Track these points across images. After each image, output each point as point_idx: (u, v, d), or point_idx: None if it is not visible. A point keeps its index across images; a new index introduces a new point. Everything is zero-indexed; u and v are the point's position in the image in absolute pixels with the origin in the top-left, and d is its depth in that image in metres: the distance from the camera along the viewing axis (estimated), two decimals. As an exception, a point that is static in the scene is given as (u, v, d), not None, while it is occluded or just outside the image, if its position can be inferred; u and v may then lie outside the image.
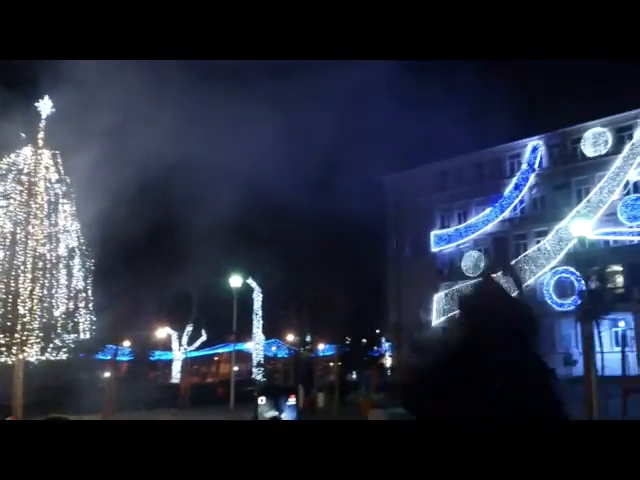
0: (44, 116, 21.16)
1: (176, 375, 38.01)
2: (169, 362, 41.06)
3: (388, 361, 46.77)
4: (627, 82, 32.99)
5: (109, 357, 21.26)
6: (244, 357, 41.73)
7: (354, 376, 43.38)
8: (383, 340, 51.99)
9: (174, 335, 39.88)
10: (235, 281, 32.12)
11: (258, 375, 40.46)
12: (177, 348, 39.71)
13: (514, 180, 42.58)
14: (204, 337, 39.63)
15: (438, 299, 45.33)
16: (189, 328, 39.01)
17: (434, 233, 46.52)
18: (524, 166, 42.39)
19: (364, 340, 53.90)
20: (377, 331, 53.72)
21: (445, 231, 46.11)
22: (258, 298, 41.41)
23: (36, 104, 21.05)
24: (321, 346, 42.72)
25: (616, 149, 38.24)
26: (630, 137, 38.03)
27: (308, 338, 41.77)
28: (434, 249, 46.32)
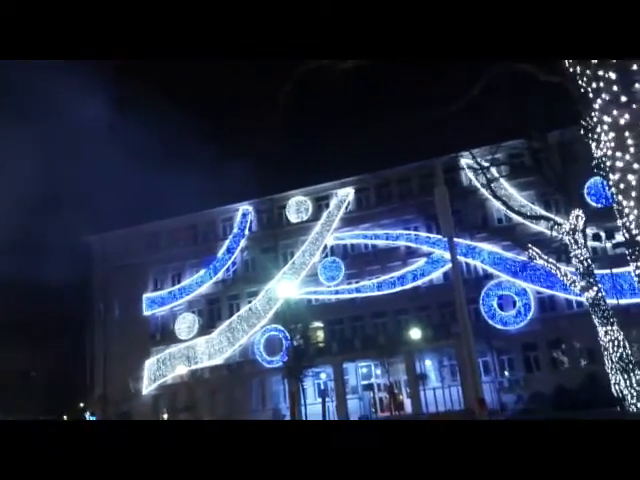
0: None
1: None
2: None
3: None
4: (326, 156, 38.14)
5: None
6: None
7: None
8: (88, 415, 47.97)
9: None
10: None
11: None
12: None
13: (227, 243, 44.72)
14: None
15: (150, 365, 44.01)
16: None
17: (146, 296, 45.57)
18: (235, 230, 44.95)
19: (65, 417, 49.08)
20: (81, 405, 49.42)
21: (158, 294, 45.55)
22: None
23: None
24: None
25: (316, 216, 43.34)
26: (327, 206, 43.59)
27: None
28: (146, 312, 45.25)
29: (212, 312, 44.50)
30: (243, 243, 44.48)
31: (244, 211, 45.14)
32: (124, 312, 45.49)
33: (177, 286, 45.12)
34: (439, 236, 39.37)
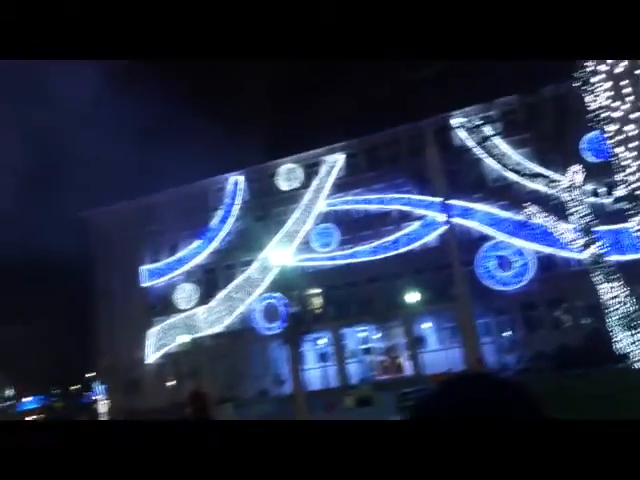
0: None
1: None
2: None
3: (104, 405, 44.36)
4: (312, 122, 37.25)
5: None
6: None
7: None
8: (97, 384, 49.19)
9: None
10: None
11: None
12: None
13: (220, 213, 44.59)
14: None
15: (152, 335, 44.75)
16: None
17: (145, 268, 45.91)
18: (227, 200, 44.72)
19: (75, 386, 50.36)
20: (90, 375, 50.62)
21: (156, 265, 45.85)
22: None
23: None
24: (24, 399, 38.78)
25: (306, 183, 42.89)
26: (317, 173, 43.04)
27: (10, 392, 37.59)
28: (145, 284, 45.67)
29: (210, 282, 44.79)
30: (236, 213, 44.30)
31: (234, 181, 44.78)
32: (124, 284, 45.92)
33: (174, 257, 45.34)
34: (433, 198, 38.93)
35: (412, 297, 36.96)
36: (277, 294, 39.33)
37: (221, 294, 43.51)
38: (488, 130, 35.86)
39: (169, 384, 42.86)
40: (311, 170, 43.38)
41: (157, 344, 44.56)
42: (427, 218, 39.14)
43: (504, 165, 36.24)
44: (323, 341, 40.03)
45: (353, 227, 41.22)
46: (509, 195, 36.90)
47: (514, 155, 37.65)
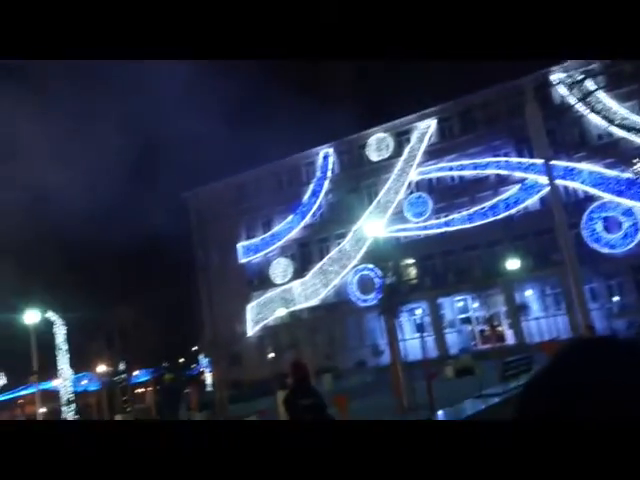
0: None
1: (-26, 427, 33.90)
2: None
3: (208, 377, 46.21)
4: (404, 88, 36.55)
5: None
6: (52, 396, 38.37)
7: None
8: (201, 357, 51.29)
9: (-33, 384, 35.67)
10: (31, 317, 29.48)
11: (69, 413, 37.49)
12: (-27, 396, 35.60)
13: (311, 187, 44.79)
14: (3, 381, 35.91)
15: (251, 309, 45.96)
16: (-16, 373, 35.24)
17: (241, 244, 47.08)
18: (318, 173, 44.79)
19: (182, 359, 52.73)
20: (194, 348, 52.85)
21: (251, 241, 46.90)
22: (61, 332, 38.42)
23: None
24: (136, 372, 40.91)
25: (397, 152, 42.11)
26: (408, 141, 42.15)
27: (122, 366, 39.77)
28: (242, 260, 46.86)
29: (304, 256, 45.33)
30: (327, 186, 44.34)
31: (325, 154, 44.73)
32: (222, 261, 47.38)
33: (268, 233, 46.17)
34: (533, 160, 37.20)
35: (512, 264, 35.57)
36: (371, 265, 39.13)
37: (316, 267, 43.89)
38: (590, 84, 33.59)
39: (269, 356, 43.95)
40: (402, 138, 42.54)
41: (256, 318, 45.76)
42: (527, 181, 37.43)
43: (609, 120, 33.98)
44: (420, 311, 39.55)
45: (447, 195, 40.13)
46: (615, 152, 34.64)
47: (620, 109, 35.09)
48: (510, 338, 36.86)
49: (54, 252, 34.88)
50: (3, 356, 34.99)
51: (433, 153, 40.93)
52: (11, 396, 40.80)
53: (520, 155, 37.89)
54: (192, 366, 51.87)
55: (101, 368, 39.94)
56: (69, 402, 37.64)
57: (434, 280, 39.38)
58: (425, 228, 40.17)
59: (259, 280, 46.37)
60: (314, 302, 43.58)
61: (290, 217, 45.14)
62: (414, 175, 41.29)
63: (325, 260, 43.63)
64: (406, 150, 41.73)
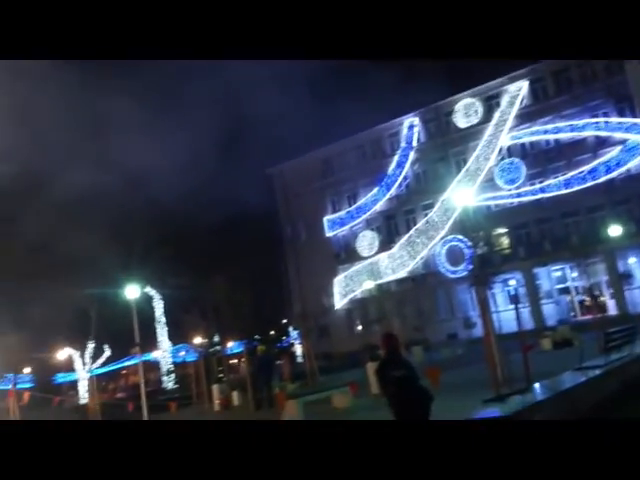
0: None
1: (83, 395, 36.21)
2: (74, 383, 39.08)
3: (298, 349, 47.00)
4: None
5: (9, 386, 19.79)
6: (152, 367, 40.42)
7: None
8: (291, 329, 52.25)
9: (76, 354, 38.01)
10: (132, 291, 30.84)
11: (169, 383, 39.35)
12: (81, 367, 37.92)
13: (396, 158, 44.00)
14: (108, 352, 38.09)
15: (339, 282, 46.10)
16: (91, 345, 37.38)
17: (327, 218, 47.17)
18: (403, 144, 43.89)
19: (273, 332, 53.99)
20: (284, 321, 53.91)
21: (337, 215, 46.88)
22: (159, 306, 40.24)
23: None
24: (230, 344, 42.19)
25: (487, 117, 40.47)
26: (498, 105, 40.37)
27: (216, 338, 41.16)
28: (329, 234, 46.97)
29: (390, 228, 44.86)
30: (412, 156, 43.41)
31: (410, 123, 43.71)
32: (309, 235, 47.77)
33: (353, 206, 45.95)
34: (635, 119, 34.80)
35: (614, 230, 33.50)
36: (461, 236, 38.11)
37: (402, 239, 43.33)
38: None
39: (357, 329, 44.05)
40: (491, 102, 40.84)
41: (343, 291, 45.88)
42: (629, 142, 35.00)
43: None
44: (514, 282, 38.20)
45: (542, 159, 38.24)
46: None
47: None
48: (612, 308, 34.98)
49: (150, 228, 36.30)
50: (107, 329, 37.02)
51: (525, 116, 39.03)
52: (116, 367, 43.23)
53: (621, 115, 35.52)
54: (282, 338, 53.03)
55: (197, 340, 41.56)
56: (169, 372, 39.58)
57: (529, 249, 37.90)
58: (518, 195, 38.54)
59: (346, 253, 46.37)
60: (401, 274, 43.13)
61: (375, 189, 44.64)
62: (505, 140, 39.59)
63: (412, 232, 42.96)
64: (496, 115, 40.01)
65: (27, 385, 32.31)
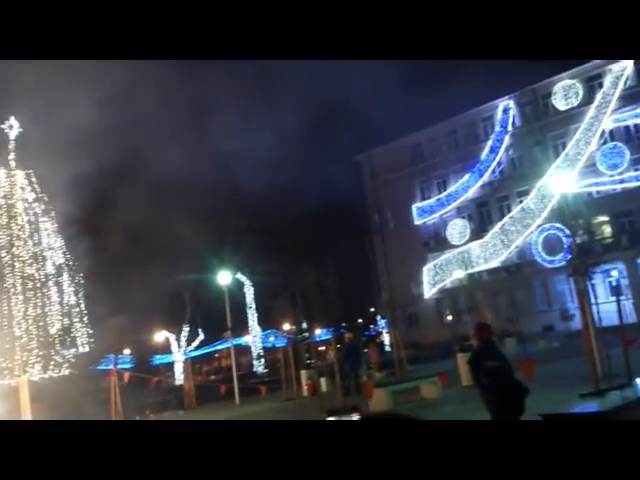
0: (12, 137, 20.77)
1: (179, 377, 37.99)
2: (170, 365, 41.06)
3: (386, 338, 46.88)
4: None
5: (110, 367, 21.18)
6: (243, 351, 41.72)
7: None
8: (379, 318, 52.18)
9: (172, 337, 39.96)
10: (224, 277, 31.91)
11: (259, 367, 40.49)
12: (176, 350, 39.83)
13: (489, 143, 42.63)
14: (202, 336, 39.73)
15: (428, 271, 45.43)
16: (186, 329, 39.19)
17: (416, 206, 46.50)
18: (497, 128, 42.43)
19: (360, 320, 54.14)
20: (372, 309, 53.89)
21: (426, 202, 46.11)
22: (250, 292, 41.40)
23: (2, 126, 20.65)
24: (317, 331, 42.73)
25: (588, 99, 38.40)
26: (600, 86, 38.18)
27: (304, 325, 41.80)
28: (418, 222, 46.34)
29: (482, 216, 43.65)
30: (507, 141, 41.89)
31: (504, 107, 42.13)
32: (397, 222, 47.36)
33: (444, 193, 45.03)
34: None
35: None
36: (559, 224, 36.50)
37: (496, 228, 42.05)
38: None
39: (447, 318, 43.29)
40: (593, 83, 38.69)
41: (433, 280, 45.20)
42: None
43: None
44: (616, 273, 36.25)
45: (648, 143, 35.87)
46: None
47: None
48: None
49: (241, 216, 37.31)
50: (201, 314, 38.53)
51: (630, 98, 36.68)
52: (209, 350, 44.93)
53: None
54: (370, 326, 53.08)
55: (286, 326, 42.40)
56: (259, 356, 40.73)
57: (632, 238, 35.84)
58: (621, 181, 36.40)
59: (435, 241, 45.60)
60: (494, 264, 41.91)
61: (467, 176, 43.48)
62: (608, 123, 37.41)
63: (506, 220, 41.56)
64: (598, 96, 37.82)
65: (127, 366, 34.24)
